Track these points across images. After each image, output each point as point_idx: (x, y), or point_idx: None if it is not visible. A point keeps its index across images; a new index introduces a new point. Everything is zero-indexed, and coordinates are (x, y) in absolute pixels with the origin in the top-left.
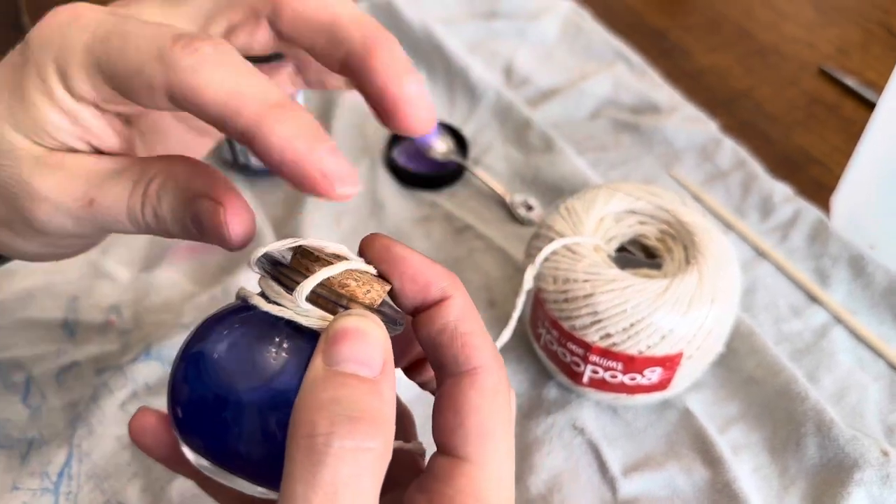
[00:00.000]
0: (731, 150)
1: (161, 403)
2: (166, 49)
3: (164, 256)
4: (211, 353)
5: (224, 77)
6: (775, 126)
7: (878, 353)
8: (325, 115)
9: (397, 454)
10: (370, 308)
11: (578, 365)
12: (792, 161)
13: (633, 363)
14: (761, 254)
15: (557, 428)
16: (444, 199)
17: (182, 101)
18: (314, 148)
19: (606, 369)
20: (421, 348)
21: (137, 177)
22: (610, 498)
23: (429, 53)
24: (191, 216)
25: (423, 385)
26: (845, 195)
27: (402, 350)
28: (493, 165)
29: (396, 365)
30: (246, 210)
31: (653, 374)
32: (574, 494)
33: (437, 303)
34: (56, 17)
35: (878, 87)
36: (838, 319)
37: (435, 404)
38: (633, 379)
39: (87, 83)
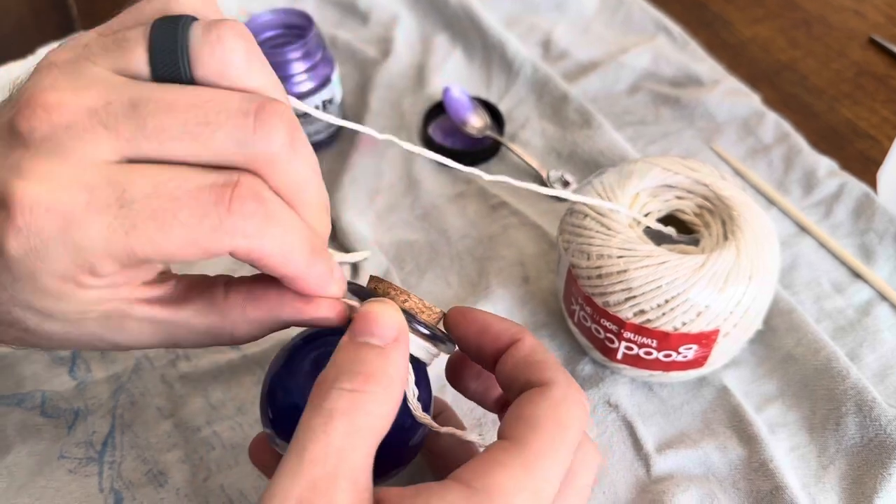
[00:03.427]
0: (774, 123)
1: (200, 374)
2: (219, 218)
3: None
4: (294, 371)
5: (276, 234)
6: (821, 99)
7: None
8: (361, 92)
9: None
10: (406, 313)
11: (612, 341)
12: (838, 134)
13: (667, 340)
14: (804, 229)
15: (592, 404)
16: None
17: (244, 258)
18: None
19: (641, 346)
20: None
21: (217, 322)
22: (644, 475)
23: (466, 28)
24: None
25: None
26: (893, 168)
27: None
28: (529, 141)
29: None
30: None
31: (688, 352)
32: (608, 471)
33: (512, 344)
34: (36, 222)
35: None
36: (883, 296)
37: (507, 411)
38: (667, 356)
39: (122, 272)
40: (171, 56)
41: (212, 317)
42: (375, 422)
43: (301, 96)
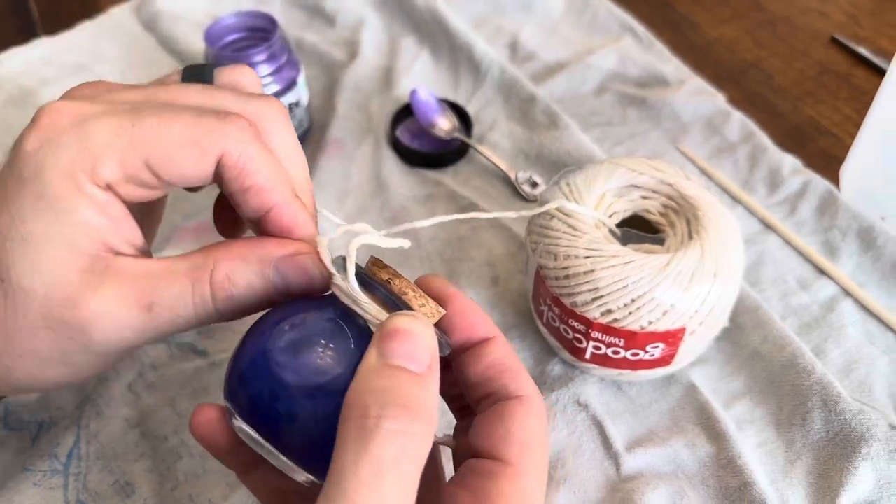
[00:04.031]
0: (739, 122)
1: (167, 383)
2: (211, 121)
3: (171, 237)
4: (269, 345)
5: (267, 156)
6: (785, 97)
7: (887, 326)
8: (329, 95)
9: None
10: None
11: (580, 341)
12: (802, 132)
13: (634, 339)
14: (769, 227)
15: (561, 404)
16: (448, 178)
17: (231, 170)
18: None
19: (608, 345)
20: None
21: (193, 271)
22: (614, 473)
23: (433, 31)
24: (281, 279)
25: None
26: (855, 165)
27: None
28: (497, 142)
29: None
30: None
31: (655, 350)
32: (577, 470)
33: (483, 342)
34: (57, 116)
35: (891, 55)
36: (847, 292)
37: (480, 420)
38: (635, 355)
39: (119, 170)
40: (198, 75)
41: (194, 273)
42: (420, 465)
43: None
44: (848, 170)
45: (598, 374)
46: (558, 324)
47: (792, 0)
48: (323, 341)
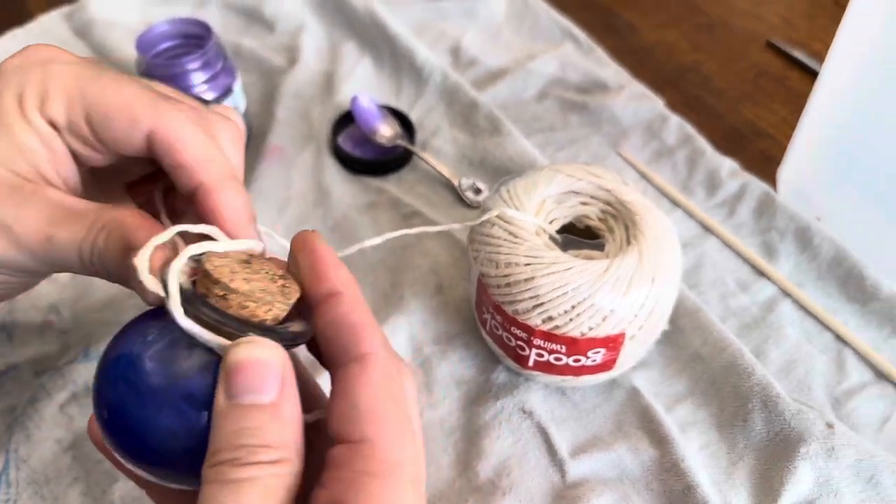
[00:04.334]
0: (677, 126)
1: None
2: (156, 98)
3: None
4: (128, 359)
5: (202, 136)
6: (723, 100)
7: (824, 326)
8: (268, 102)
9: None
10: (272, 327)
11: (523, 349)
12: (740, 135)
13: (576, 345)
14: (708, 230)
15: (506, 412)
16: (392, 185)
17: (161, 144)
18: (247, 224)
19: (550, 352)
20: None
21: (92, 222)
22: (559, 480)
23: (374, 36)
24: (125, 269)
25: None
26: (791, 167)
27: None
28: (440, 149)
29: None
30: None
31: (597, 356)
32: (523, 478)
33: (330, 297)
34: (37, 52)
35: (824, 59)
36: (785, 293)
37: (329, 400)
38: (577, 361)
39: (65, 113)
40: None
41: (92, 222)
42: (289, 494)
43: None
44: (785, 171)
45: (542, 380)
46: (501, 332)
47: (729, 4)
48: (177, 354)
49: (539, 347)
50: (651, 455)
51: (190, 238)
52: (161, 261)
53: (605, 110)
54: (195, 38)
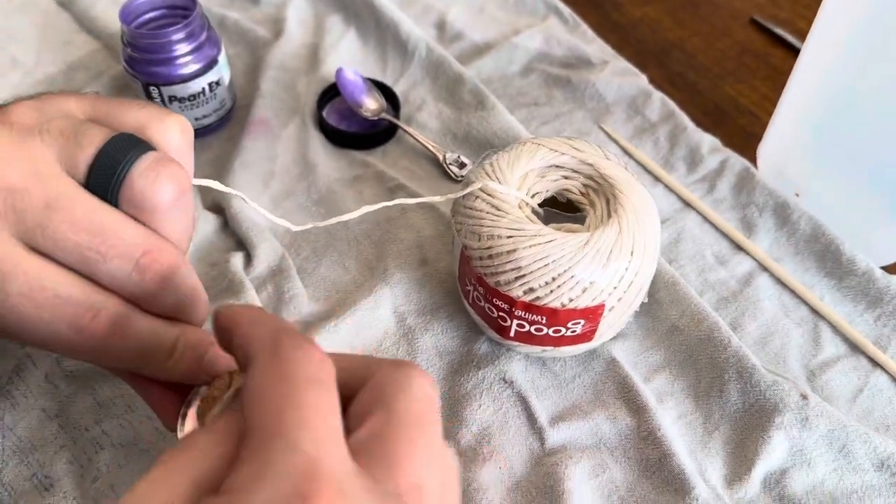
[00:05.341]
0: (660, 102)
1: (86, 372)
2: (74, 329)
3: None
4: None
5: (124, 353)
6: (706, 77)
7: (801, 299)
8: (253, 74)
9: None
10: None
11: (505, 320)
12: (722, 111)
13: (556, 316)
14: (688, 205)
15: (487, 382)
16: (377, 159)
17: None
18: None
19: (531, 323)
20: None
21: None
22: (538, 447)
23: (359, 8)
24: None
25: None
26: (771, 143)
27: None
28: (425, 123)
29: None
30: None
31: (577, 327)
32: (503, 445)
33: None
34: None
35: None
36: (763, 267)
37: None
38: (557, 331)
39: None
40: (107, 176)
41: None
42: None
43: (186, 79)
44: (765, 148)
45: (522, 350)
46: (483, 303)
47: None
48: None
49: (520, 318)
50: (628, 424)
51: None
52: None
53: (589, 86)
54: (180, 8)
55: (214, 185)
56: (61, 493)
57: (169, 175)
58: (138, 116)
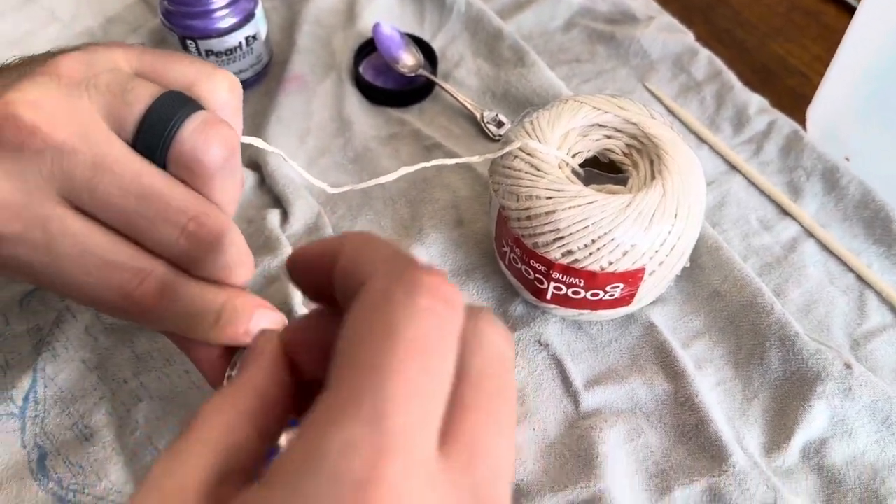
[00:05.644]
0: (706, 60)
1: (125, 325)
2: (119, 294)
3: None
4: None
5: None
6: (754, 34)
7: (847, 267)
8: (289, 29)
9: None
10: None
11: (542, 282)
12: (770, 71)
13: (594, 280)
14: (733, 167)
15: (522, 343)
16: (413, 116)
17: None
18: None
19: (569, 286)
20: None
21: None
22: (572, 410)
23: None
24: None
25: None
26: (822, 105)
27: None
28: (463, 80)
29: None
30: None
31: (615, 290)
32: (537, 407)
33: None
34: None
35: None
36: (809, 233)
37: None
38: (595, 295)
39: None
40: (155, 136)
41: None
42: None
43: (223, 32)
44: (814, 110)
45: (559, 314)
46: (520, 265)
47: None
48: None
49: (557, 281)
50: (665, 389)
51: None
52: None
53: (634, 42)
54: None
55: (258, 142)
56: (101, 443)
57: (218, 136)
58: (186, 72)
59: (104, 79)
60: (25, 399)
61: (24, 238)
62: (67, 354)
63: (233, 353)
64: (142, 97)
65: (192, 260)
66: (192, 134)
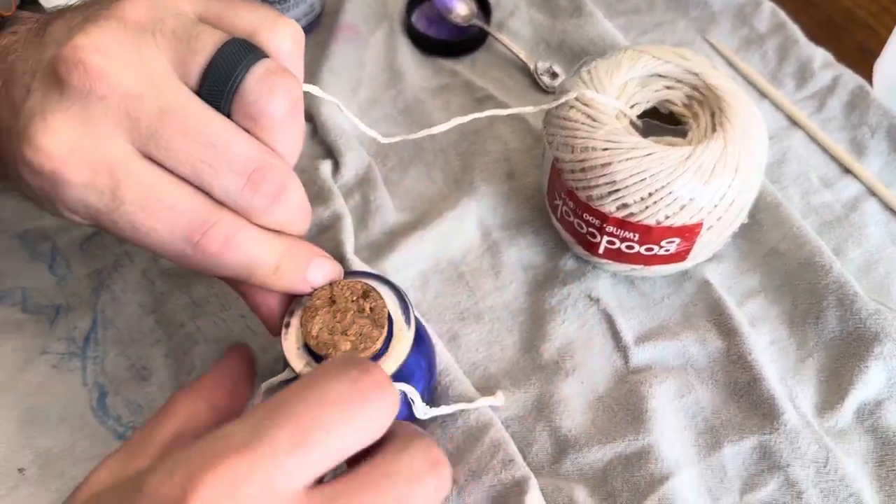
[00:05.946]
0: (770, 12)
1: (181, 271)
2: (183, 241)
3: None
4: None
5: (234, 267)
6: None
7: None
8: None
9: None
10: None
11: (594, 236)
12: (835, 24)
13: (650, 234)
14: (795, 123)
15: (572, 298)
16: (465, 68)
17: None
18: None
19: (623, 240)
20: None
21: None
22: (622, 365)
23: None
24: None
25: None
26: (890, 60)
27: None
28: (517, 30)
29: None
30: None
31: (671, 245)
32: (586, 361)
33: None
34: (44, 163)
35: None
36: (872, 192)
37: None
38: (649, 250)
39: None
40: (221, 85)
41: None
42: None
43: None
44: (882, 65)
45: (610, 269)
46: (572, 218)
47: None
48: None
49: (611, 235)
50: (718, 346)
51: None
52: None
53: None
54: None
55: (316, 91)
56: (157, 383)
57: (282, 86)
58: (251, 19)
59: (170, 24)
60: (86, 340)
61: (91, 183)
62: (125, 297)
63: (290, 300)
64: (207, 45)
65: (255, 210)
66: (256, 84)
